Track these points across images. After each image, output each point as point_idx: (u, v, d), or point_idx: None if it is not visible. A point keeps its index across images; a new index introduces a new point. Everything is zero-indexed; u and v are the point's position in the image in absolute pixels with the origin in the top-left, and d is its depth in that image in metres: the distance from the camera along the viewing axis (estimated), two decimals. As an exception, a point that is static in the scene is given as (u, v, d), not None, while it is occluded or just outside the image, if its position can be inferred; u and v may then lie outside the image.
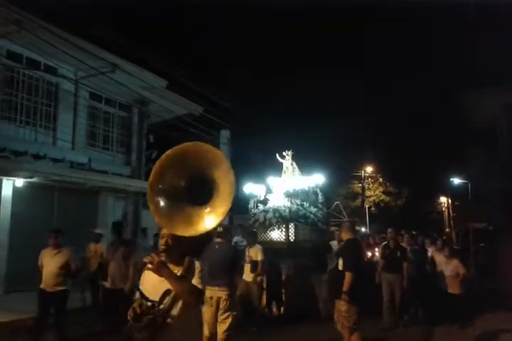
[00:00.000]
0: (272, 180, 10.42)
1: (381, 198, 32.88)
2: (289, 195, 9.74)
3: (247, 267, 7.52)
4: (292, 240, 9.43)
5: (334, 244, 8.68)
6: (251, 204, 10.05)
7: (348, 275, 5.36)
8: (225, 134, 17.61)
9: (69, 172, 11.15)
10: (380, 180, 33.01)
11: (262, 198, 10.15)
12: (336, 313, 5.58)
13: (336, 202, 30.84)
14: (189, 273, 2.73)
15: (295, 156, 11.00)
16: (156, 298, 2.63)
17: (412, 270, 8.05)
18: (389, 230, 8.26)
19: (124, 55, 12.24)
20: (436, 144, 29.51)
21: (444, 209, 35.95)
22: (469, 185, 30.32)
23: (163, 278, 2.64)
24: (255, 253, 7.48)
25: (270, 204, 9.84)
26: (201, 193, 2.60)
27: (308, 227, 9.90)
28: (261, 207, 9.84)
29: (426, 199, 33.90)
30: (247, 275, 7.54)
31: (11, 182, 10.27)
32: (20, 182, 10.34)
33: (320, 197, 10.53)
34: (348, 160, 29.18)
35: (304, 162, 23.77)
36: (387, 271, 7.87)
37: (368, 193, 32.38)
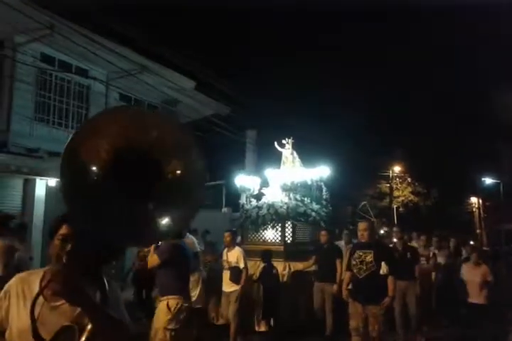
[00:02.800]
0: (269, 172, 8.89)
1: (409, 198, 32.40)
2: (287, 189, 8.23)
3: (226, 275, 6.40)
4: (289, 241, 8.01)
5: (341, 244, 7.96)
6: (243, 199, 8.64)
7: (392, 280, 5.14)
8: (251, 134, 17.62)
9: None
10: (409, 179, 32.51)
11: (256, 192, 8.67)
12: (372, 321, 5.07)
13: (363, 202, 30.56)
14: (110, 297, 1.73)
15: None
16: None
17: (440, 278, 7.40)
18: (394, 229, 7.44)
19: (153, 57, 12.42)
20: (466, 143, 28.96)
21: (474, 209, 35.18)
22: (501, 184, 29.64)
23: (57, 305, 1.67)
24: (236, 257, 6.34)
25: (265, 200, 8.38)
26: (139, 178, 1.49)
27: (310, 227, 8.49)
28: (254, 202, 8.36)
29: (456, 199, 33.23)
30: (227, 285, 6.40)
31: (44, 181, 10.54)
32: (53, 181, 10.60)
33: (324, 192, 8.94)
34: (375, 160, 28.85)
35: (331, 162, 23.69)
36: (399, 277, 6.27)
37: (396, 193, 31.93)
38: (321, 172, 8.92)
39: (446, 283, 7.67)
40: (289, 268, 7.41)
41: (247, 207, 8.34)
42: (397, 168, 32.22)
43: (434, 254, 7.74)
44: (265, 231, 8.11)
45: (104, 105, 12.71)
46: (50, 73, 11.35)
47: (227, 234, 6.53)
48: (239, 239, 8.21)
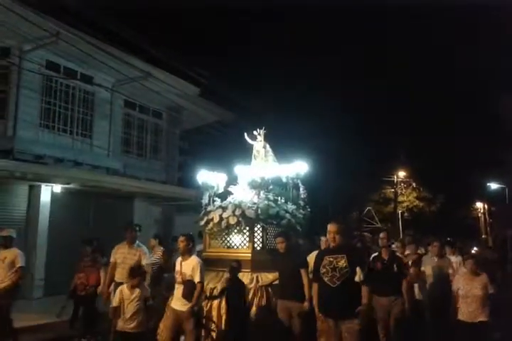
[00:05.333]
0: (239, 168, 7.65)
1: (414, 203, 32.29)
2: (256, 186, 6.99)
3: (178, 290, 5.27)
4: (259, 248, 6.74)
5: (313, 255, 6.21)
6: (205, 199, 7.37)
7: (366, 288, 4.48)
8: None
9: (105, 178, 11.40)
10: (414, 185, 32.43)
11: (220, 190, 7.48)
12: (348, 337, 4.36)
13: (367, 208, 30.50)
14: None
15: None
16: None
17: (434, 290, 6.46)
18: (381, 235, 6.12)
19: (158, 63, 12.50)
20: (471, 148, 28.85)
21: (480, 214, 35.04)
22: (507, 189, 29.48)
23: None
24: (192, 269, 5.22)
25: (232, 199, 7.17)
26: None
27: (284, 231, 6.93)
28: (218, 202, 7.19)
29: (461, 204, 33.12)
30: (178, 302, 5.27)
31: (49, 188, 10.58)
32: (58, 188, 10.65)
33: (302, 191, 7.68)
34: (380, 165, 28.82)
35: (335, 166, 23.64)
36: (380, 292, 5.50)
37: (400, 198, 31.85)
38: (298, 168, 7.53)
39: (440, 296, 6.35)
40: (257, 281, 6.09)
41: (210, 207, 7.13)
42: (401, 173, 32.16)
43: (414, 261, 6.72)
44: (230, 236, 6.86)
45: (109, 112, 12.79)
46: (55, 80, 11.43)
47: (181, 239, 5.38)
48: (199, 246, 7.39)
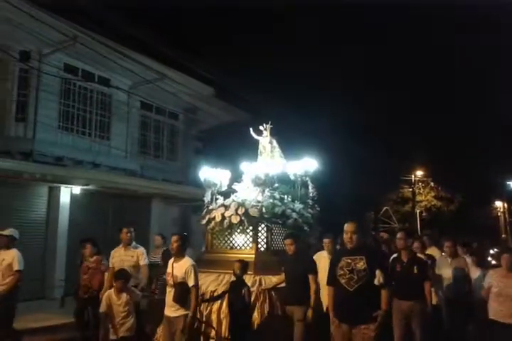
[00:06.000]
0: (245, 165, 7.23)
1: (433, 203, 31.94)
2: (260, 184, 6.58)
3: (170, 294, 4.90)
4: (263, 249, 6.42)
5: (323, 255, 6.10)
6: (207, 197, 7.04)
7: (387, 292, 4.26)
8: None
9: (122, 179, 11.53)
10: (432, 184, 32.08)
11: (224, 188, 7.16)
12: None
13: (385, 207, 30.25)
14: None
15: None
16: None
17: (451, 292, 6.09)
18: (398, 235, 5.62)
19: (173, 64, 12.59)
20: (490, 146, 28.47)
21: (499, 214, 34.51)
22: (527, 188, 28.99)
23: None
24: (184, 271, 4.84)
25: (235, 197, 6.81)
26: None
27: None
28: (221, 200, 6.87)
29: (480, 203, 32.67)
30: (170, 308, 4.88)
31: (68, 189, 10.74)
32: (77, 189, 10.80)
33: (311, 189, 7.32)
34: (397, 164, 28.57)
35: (349, 164, 23.50)
36: (400, 296, 5.20)
37: (418, 198, 31.53)
38: (306, 165, 7.22)
39: (457, 298, 6.10)
40: (260, 284, 5.74)
41: (212, 206, 6.83)
42: (419, 173, 31.84)
43: (430, 264, 6.24)
44: (233, 235, 6.56)
45: (126, 113, 12.93)
46: (73, 83, 11.60)
47: (174, 238, 5.01)
48: (189, 251, 6.99)
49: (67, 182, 10.49)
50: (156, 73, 12.18)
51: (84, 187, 10.82)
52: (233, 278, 5.44)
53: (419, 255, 5.93)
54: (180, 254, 4.97)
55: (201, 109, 14.62)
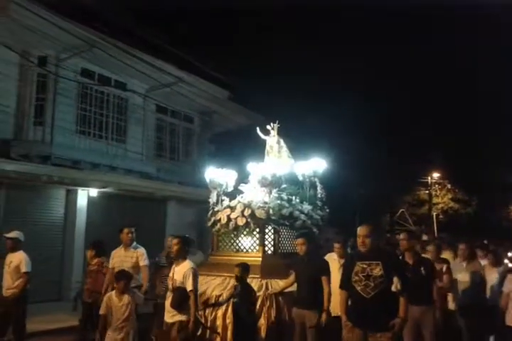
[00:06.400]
0: (252, 166, 6.95)
1: (450, 205, 31.60)
2: (267, 184, 6.38)
3: (169, 298, 4.73)
4: (270, 252, 6.24)
5: (333, 257, 5.78)
6: (213, 198, 6.83)
7: (405, 299, 4.10)
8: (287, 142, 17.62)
9: (139, 182, 11.64)
10: (448, 186, 31.75)
11: (230, 189, 6.95)
12: None
13: (401, 210, 30.00)
14: None
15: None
16: None
17: (466, 297, 5.79)
18: (401, 236, 5.40)
19: (188, 68, 12.69)
20: (508, 147, 28.04)
21: (518, 216, 33.98)
22: (547, 190, 28.51)
23: None
24: (183, 275, 4.64)
25: (241, 198, 6.60)
26: None
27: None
28: (227, 201, 6.66)
29: (498, 205, 32.22)
30: (168, 313, 4.70)
31: (85, 192, 10.88)
32: (94, 192, 10.94)
33: (319, 190, 7.13)
34: (413, 166, 28.34)
35: (367, 168, 23.35)
36: (410, 301, 4.66)
37: (435, 200, 31.22)
38: (315, 165, 7.03)
39: (472, 304, 5.79)
40: (266, 288, 5.50)
41: (218, 207, 6.64)
42: (436, 174, 31.54)
43: (447, 268, 5.90)
44: (239, 238, 6.38)
45: (142, 117, 13.06)
46: (90, 87, 11.76)
47: (175, 241, 4.85)
48: (199, 254, 7.08)
49: (84, 185, 10.63)
50: (172, 77, 12.30)
51: (101, 189, 10.96)
52: (236, 283, 5.20)
53: (425, 256, 5.75)
54: (180, 257, 4.77)
55: (216, 112, 14.70)
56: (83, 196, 10.86)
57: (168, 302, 4.68)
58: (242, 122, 15.46)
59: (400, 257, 5.34)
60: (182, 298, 4.56)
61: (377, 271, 3.98)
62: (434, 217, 30.28)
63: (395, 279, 3.97)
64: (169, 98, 13.18)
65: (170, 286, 4.75)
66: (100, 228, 10.83)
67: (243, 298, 5.02)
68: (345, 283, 4.19)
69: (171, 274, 4.79)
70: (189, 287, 4.56)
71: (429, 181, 31.10)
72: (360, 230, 4.16)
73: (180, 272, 4.65)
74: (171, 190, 12.56)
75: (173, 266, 4.83)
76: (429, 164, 30.74)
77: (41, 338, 6.73)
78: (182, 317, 4.55)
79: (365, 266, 4.05)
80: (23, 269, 5.91)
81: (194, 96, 13.02)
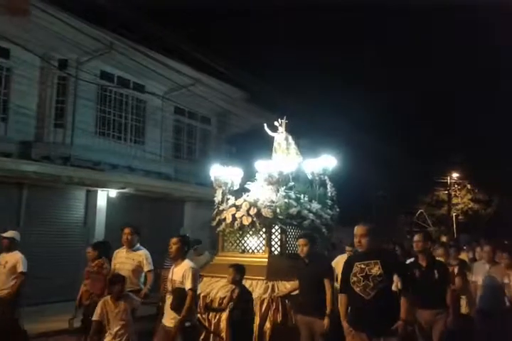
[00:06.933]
0: (260, 163, 6.62)
1: (469, 206, 31.16)
2: (274, 182, 6.18)
3: (168, 301, 4.51)
4: (277, 252, 6.03)
5: (344, 258, 5.20)
6: (218, 197, 6.61)
7: (406, 299, 3.91)
8: (304, 143, 17.59)
9: (157, 183, 11.78)
10: (468, 186, 31.31)
11: (236, 187, 6.71)
12: None
13: (419, 210, 29.71)
14: None
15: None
16: None
17: (485, 302, 5.51)
18: (415, 238, 5.15)
19: (205, 69, 12.77)
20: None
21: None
22: None
23: None
24: (182, 274, 4.44)
25: (247, 197, 6.35)
26: None
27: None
28: (232, 200, 6.41)
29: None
30: (167, 316, 4.48)
31: (105, 193, 11.05)
32: (113, 192, 11.11)
33: (330, 188, 6.87)
34: (431, 166, 28.03)
35: (384, 167, 23.18)
36: (422, 305, 4.73)
37: (454, 201, 30.82)
38: (325, 163, 6.78)
39: (490, 310, 5.45)
40: (272, 291, 5.28)
41: (223, 206, 6.42)
42: (455, 174, 31.13)
43: (459, 269, 5.75)
44: (244, 238, 6.18)
45: (160, 119, 13.21)
46: (109, 89, 11.94)
47: (173, 241, 4.63)
48: (206, 254, 6.93)
49: (103, 185, 10.80)
50: (190, 78, 12.41)
51: (120, 190, 11.11)
52: (232, 286, 4.92)
53: (439, 259, 5.52)
54: (179, 258, 4.57)
55: (233, 113, 14.78)
56: (103, 197, 11.03)
57: (167, 305, 4.47)
58: (258, 122, 15.49)
59: (414, 259, 5.26)
60: (182, 299, 4.32)
61: (376, 270, 3.81)
62: (454, 217, 29.92)
63: (395, 278, 3.82)
64: (187, 99, 13.31)
65: (169, 288, 4.57)
66: (119, 228, 10.97)
67: (238, 302, 4.74)
68: (344, 287, 3.99)
69: (169, 275, 4.61)
70: (188, 285, 4.34)
71: (449, 181, 30.72)
72: (357, 229, 3.97)
73: (179, 272, 4.47)
74: (188, 190, 12.67)
75: (172, 267, 4.66)
76: (449, 164, 30.38)
77: (55, 338, 6.75)
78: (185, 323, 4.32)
79: (363, 266, 3.88)
80: (20, 269, 5.75)
81: (211, 98, 13.12)
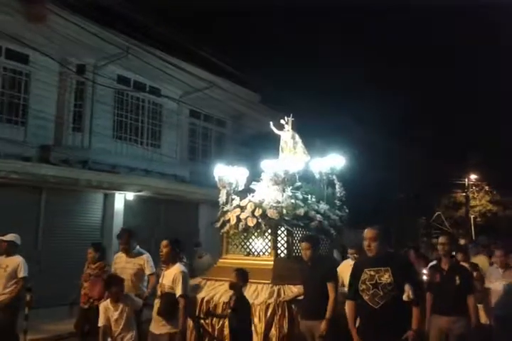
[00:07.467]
0: (266, 163, 6.43)
1: (488, 208, 30.73)
2: (278, 182, 5.98)
3: (156, 306, 4.34)
4: (283, 255, 5.82)
5: (349, 263, 5.08)
6: (222, 197, 6.42)
7: (419, 310, 3.71)
8: (319, 144, 17.55)
9: (173, 185, 11.87)
10: (486, 188, 30.90)
11: (241, 187, 6.52)
12: None
13: (437, 213, 29.40)
14: None
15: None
16: None
17: (501, 309, 5.24)
18: (440, 239, 4.83)
19: (220, 72, 12.83)
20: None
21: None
22: None
23: None
24: (172, 279, 4.26)
25: (252, 197, 6.15)
26: None
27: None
28: (237, 200, 6.22)
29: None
30: (155, 323, 4.29)
31: (122, 195, 11.16)
32: (130, 195, 11.22)
33: (338, 188, 6.67)
34: (449, 167, 27.72)
35: (401, 169, 22.97)
36: (439, 311, 4.49)
37: (472, 203, 30.44)
38: (333, 162, 6.57)
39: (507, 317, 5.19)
40: (278, 295, 5.05)
41: (227, 207, 6.23)
42: (473, 176, 30.75)
43: (479, 275, 5.46)
44: (249, 240, 5.96)
45: (176, 122, 13.31)
46: (126, 93, 12.07)
47: (163, 243, 4.47)
48: (207, 256, 6.90)
49: (121, 188, 10.91)
50: (205, 82, 12.49)
51: (137, 193, 11.21)
52: (232, 291, 4.70)
53: (463, 264, 5.22)
54: (170, 261, 4.42)
55: (248, 115, 14.82)
56: (120, 200, 11.14)
57: (155, 311, 4.26)
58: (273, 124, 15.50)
59: (436, 262, 5.02)
60: (171, 305, 4.13)
61: (386, 277, 3.59)
62: (472, 219, 29.54)
63: (407, 287, 3.56)
64: (202, 103, 13.39)
65: (158, 292, 4.37)
66: (136, 231, 11.05)
67: (235, 309, 4.50)
68: (352, 293, 3.78)
69: (160, 280, 4.44)
70: (178, 292, 4.15)
71: (466, 183, 30.36)
72: (366, 233, 3.76)
73: (169, 276, 4.29)
74: (204, 193, 12.72)
75: (163, 270, 4.51)
76: (466, 165, 30.03)
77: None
78: (171, 329, 4.14)
79: (373, 273, 3.66)
80: (21, 274, 5.57)
81: (226, 100, 13.19)
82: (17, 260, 5.63)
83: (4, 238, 5.72)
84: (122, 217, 11.14)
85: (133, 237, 5.75)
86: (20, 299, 5.69)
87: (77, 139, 11.09)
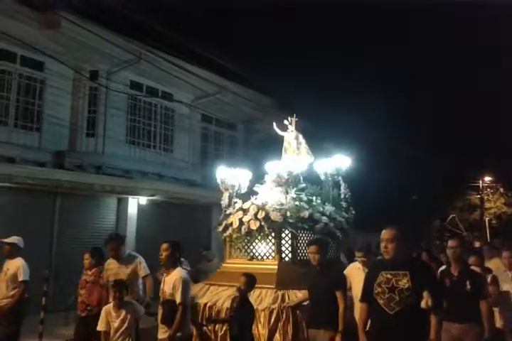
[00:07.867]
0: (269, 165, 6.30)
1: (503, 210, 30.36)
2: (282, 184, 5.83)
3: (159, 313, 4.27)
4: (287, 259, 5.64)
5: (357, 266, 4.88)
6: (224, 200, 6.34)
7: (437, 318, 3.46)
8: (327, 146, 17.53)
9: (185, 189, 11.94)
10: (501, 190, 30.53)
11: (244, 190, 6.43)
12: None
13: (451, 215, 29.12)
14: None
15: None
16: None
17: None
18: (450, 243, 4.53)
19: (231, 76, 12.89)
20: None
21: None
22: None
23: None
24: (172, 286, 4.14)
25: (255, 200, 6.02)
26: None
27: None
28: (239, 203, 6.08)
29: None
30: (160, 329, 4.23)
31: (135, 200, 11.25)
32: (143, 200, 11.30)
33: (343, 190, 6.46)
34: (463, 170, 27.46)
35: (414, 171, 22.82)
36: (450, 318, 4.13)
37: (487, 205, 30.09)
38: (338, 163, 6.43)
39: None
40: (282, 300, 4.88)
41: (229, 210, 6.11)
42: (487, 178, 30.41)
43: (493, 279, 5.17)
44: (252, 244, 5.78)
45: (188, 126, 13.40)
46: (138, 99, 12.20)
47: (164, 246, 4.34)
48: (215, 260, 6.66)
49: (134, 193, 11.00)
50: (216, 86, 12.56)
51: (150, 197, 11.30)
52: (237, 294, 4.53)
53: (474, 268, 4.94)
54: (170, 265, 4.26)
55: (260, 119, 14.85)
56: (133, 204, 11.23)
57: (158, 318, 4.20)
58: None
59: (446, 267, 4.74)
60: (172, 313, 4.04)
61: (404, 282, 3.33)
62: (487, 222, 29.21)
63: (426, 294, 3.32)
64: (214, 107, 13.48)
65: (161, 299, 4.28)
66: (150, 235, 11.14)
67: (238, 314, 4.34)
68: (366, 295, 3.54)
69: (161, 285, 4.32)
70: (178, 299, 4.04)
71: (481, 185, 30.04)
72: (384, 234, 3.51)
73: (170, 282, 4.16)
74: (216, 196, 12.76)
75: (164, 276, 4.38)
76: (481, 167, 29.72)
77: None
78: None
79: (390, 276, 3.41)
80: (21, 278, 5.40)
81: (238, 105, 13.25)
82: (17, 263, 5.50)
83: (7, 240, 5.62)
84: (136, 221, 11.22)
85: (120, 243, 5.61)
86: (22, 303, 5.48)
87: (91, 144, 11.22)
